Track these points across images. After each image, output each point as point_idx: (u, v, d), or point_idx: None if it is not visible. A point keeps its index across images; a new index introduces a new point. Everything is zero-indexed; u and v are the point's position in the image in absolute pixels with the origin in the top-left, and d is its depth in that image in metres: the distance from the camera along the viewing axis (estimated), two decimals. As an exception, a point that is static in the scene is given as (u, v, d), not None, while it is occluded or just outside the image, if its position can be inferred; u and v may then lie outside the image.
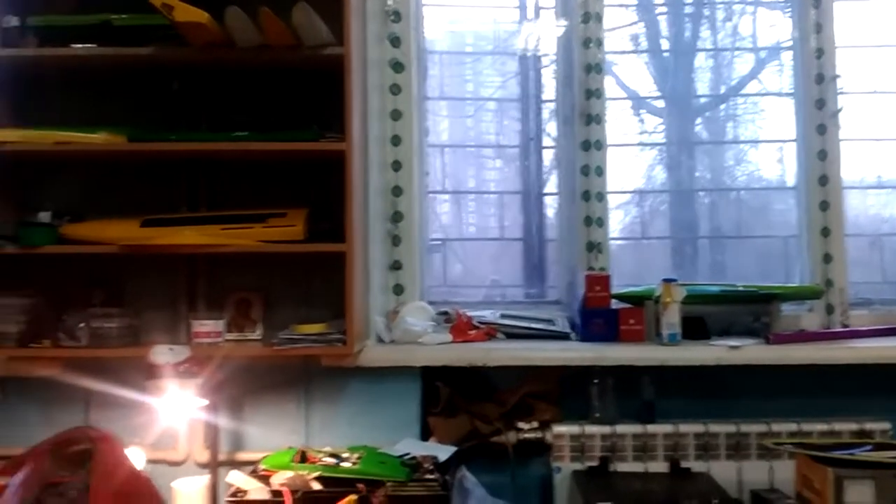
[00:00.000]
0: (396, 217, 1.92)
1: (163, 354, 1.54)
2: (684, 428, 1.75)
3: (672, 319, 1.80)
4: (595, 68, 2.01)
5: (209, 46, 1.62)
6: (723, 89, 2.24)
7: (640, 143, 2.22)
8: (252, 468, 1.62)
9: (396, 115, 1.95)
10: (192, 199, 1.81)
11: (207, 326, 1.70)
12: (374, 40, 1.92)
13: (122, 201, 1.78)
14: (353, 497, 1.43)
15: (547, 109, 2.16)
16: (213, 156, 1.73)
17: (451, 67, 2.23)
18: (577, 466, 1.73)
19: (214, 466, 1.70)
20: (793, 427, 1.74)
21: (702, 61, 2.27)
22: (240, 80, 1.83)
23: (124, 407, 1.72)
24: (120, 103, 1.82)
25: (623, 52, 2.19)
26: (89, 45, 1.67)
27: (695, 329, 1.87)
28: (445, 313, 1.89)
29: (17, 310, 1.67)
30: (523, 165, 2.15)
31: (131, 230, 1.68)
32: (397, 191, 1.94)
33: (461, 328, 1.84)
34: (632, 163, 2.17)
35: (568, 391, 1.82)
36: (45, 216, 1.67)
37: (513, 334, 1.90)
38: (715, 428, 1.74)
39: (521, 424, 1.78)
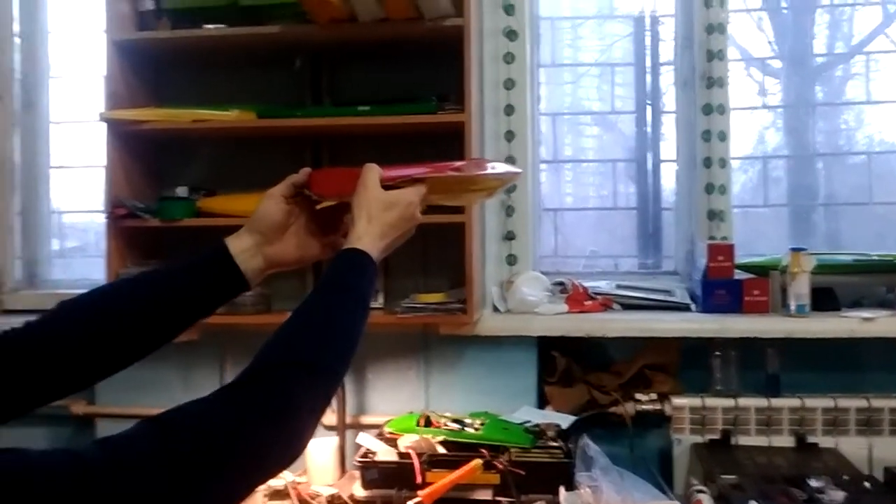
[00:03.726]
0: (510, 187, 1.92)
1: (297, 322, 1.61)
2: (811, 402, 1.69)
3: (801, 290, 1.73)
4: (718, 28, 1.92)
5: (333, 23, 1.66)
6: (841, 47, 2.11)
7: (764, 106, 2.12)
8: (377, 431, 1.69)
9: (510, 84, 1.94)
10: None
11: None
12: (488, 9, 1.92)
13: (250, 176, 1.84)
14: (479, 461, 1.47)
15: (664, 73, 2.09)
16: (336, 131, 1.78)
17: (562, 32, 2.19)
18: (698, 439, 1.70)
19: (342, 429, 1.78)
20: (930, 402, 1.66)
21: (821, 18, 2.15)
22: (358, 54, 1.87)
23: (257, 370, 1.81)
24: (246, 81, 1.90)
25: (742, 11, 2.09)
26: (219, 26, 1.75)
27: (824, 300, 1.79)
28: (561, 283, 1.89)
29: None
30: (640, 131, 2.10)
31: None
32: (510, 160, 1.93)
33: (577, 298, 1.83)
34: (744, 126, 2.09)
35: (688, 363, 1.80)
36: (182, 191, 1.77)
37: (629, 305, 1.88)
38: (844, 402, 1.68)
39: (638, 396, 1.77)
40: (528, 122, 1.95)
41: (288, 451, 0.75)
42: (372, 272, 0.90)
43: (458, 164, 1.03)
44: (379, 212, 0.92)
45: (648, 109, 2.11)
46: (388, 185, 0.95)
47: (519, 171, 1.15)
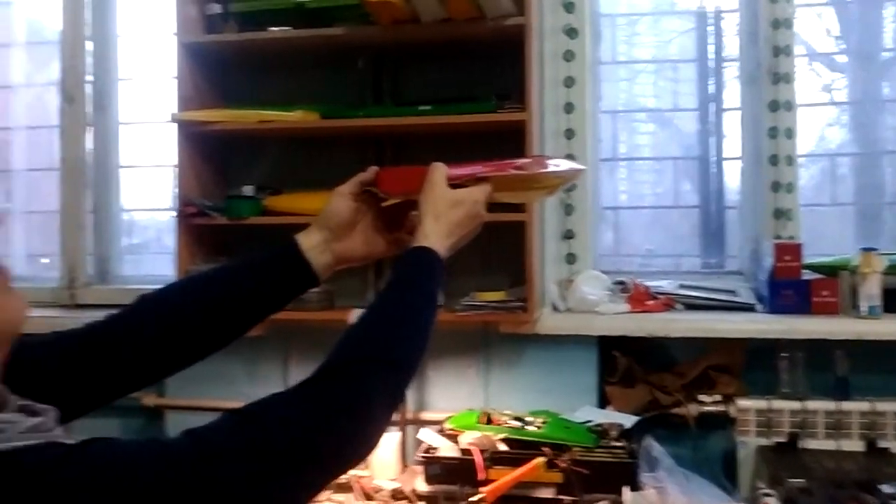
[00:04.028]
0: (569, 186, 1.91)
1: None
2: (883, 406, 1.64)
3: (872, 291, 1.69)
4: (784, 23, 1.88)
5: (395, 24, 1.68)
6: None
7: (831, 102, 2.07)
8: (438, 427, 1.70)
9: (570, 82, 1.93)
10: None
11: (394, 292, 1.79)
12: (549, 7, 1.91)
13: (313, 175, 1.88)
14: (542, 459, 1.47)
15: (728, 69, 2.06)
16: (397, 130, 1.80)
17: (620, 30, 2.17)
18: (763, 442, 1.67)
19: (403, 424, 1.80)
20: None
21: (889, 12, 2.07)
22: (419, 54, 1.88)
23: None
24: (310, 82, 1.93)
25: (807, 5, 2.04)
26: (284, 28, 1.78)
27: (895, 301, 1.74)
28: (621, 282, 1.87)
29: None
30: (702, 128, 2.07)
31: (324, 202, 1.78)
32: (570, 159, 1.92)
33: (639, 298, 1.82)
34: (808, 123, 2.03)
35: (753, 364, 1.76)
36: (248, 189, 1.81)
37: (692, 305, 1.86)
38: (919, 408, 1.63)
39: (702, 397, 1.75)
40: (588, 119, 1.94)
41: (365, 444, 0.77)
42: (440, 270, 0.91)
43: (521, 161, 1.03)
44: (446, 210, 0.94)
45: (711, 106, 2.07)
46: (453, 183, 0.97)
47: (582, 167, 1.15)
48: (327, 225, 0.99)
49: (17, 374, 0.68)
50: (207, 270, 1.00)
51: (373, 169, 1.02)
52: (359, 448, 0.77)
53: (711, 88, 2.08)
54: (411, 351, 0.84)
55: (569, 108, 1.93)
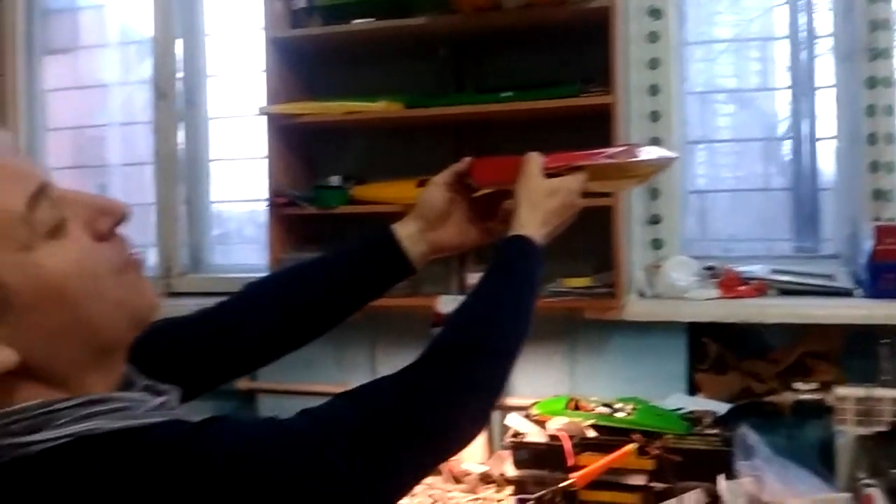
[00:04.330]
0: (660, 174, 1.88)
1: (448, 303, 1.66)
2: None
3: (982, 275, 1.60)
4: (883, -4, 1.79)
5: (477, 11, 1.68)
6: None
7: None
8: (524, 413, 1.71)
9: (654, 63, 1.89)
10: (459, 159, 1.90)
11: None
12: (632, -13, 1.88)
13: (397, 164, 1.91)
14: (633, 446, 1.46)
15: (820, 46, 1.98)
16: (480, 118, 1.81)
17: (706, 7, 2.11)
18: (863, 431, 1.61)
19: (489, 410, 1.81)
20: None
21: None
22: (500, 41, 1.88)
23: (406, 352, 1.88)
24: (393, 72, 1.95)
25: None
26: (368, 20, 1.81)
27: None
28: (711, 268, 1.83)
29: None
30: (795, 108, 2.00)
31: (409, 190, 1.80)
32: (655, 142, 1.89)
33: (730, 283, 1.77)
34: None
35: (851, 351, 1.70)
36: (335, 180, 1.85)
37: (786, 290, 1.80)
38: None
39: (797, 385, 1.70)
40: (674, 101, 1.90)
41: (471, 428, 0.79)
42: (537, 257, 0.92)
43: (613, 150, 1.03)
44: (541, 199, 0.94)
45: (803, 85, 1.99)
46: (548, 172, 0.97)
47: (675, 155, 1.12)
48: (423, 215, 1.00)
49: (135, 356, 0.70)
50: (308, 260, 1.02)
51: (467, 160, 1.03)
52: (465, 431, 0.78)
53: (803, 66, 2.00)
54: (511, 337, 0.84)
55: (653, 90, 1.89)
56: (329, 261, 1.01)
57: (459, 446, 0.78)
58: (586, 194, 1.01)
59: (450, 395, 0.76)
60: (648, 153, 1.05)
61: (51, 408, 0.58)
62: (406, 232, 0.99)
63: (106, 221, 0.63)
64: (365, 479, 0.66)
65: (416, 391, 0.75)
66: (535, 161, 0.97)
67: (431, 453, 0.75)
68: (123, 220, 0.65)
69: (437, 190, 1.01)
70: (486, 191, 1.03)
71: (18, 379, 0.58)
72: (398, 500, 0.73)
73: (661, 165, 1.09)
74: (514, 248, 0.91)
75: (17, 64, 2.38)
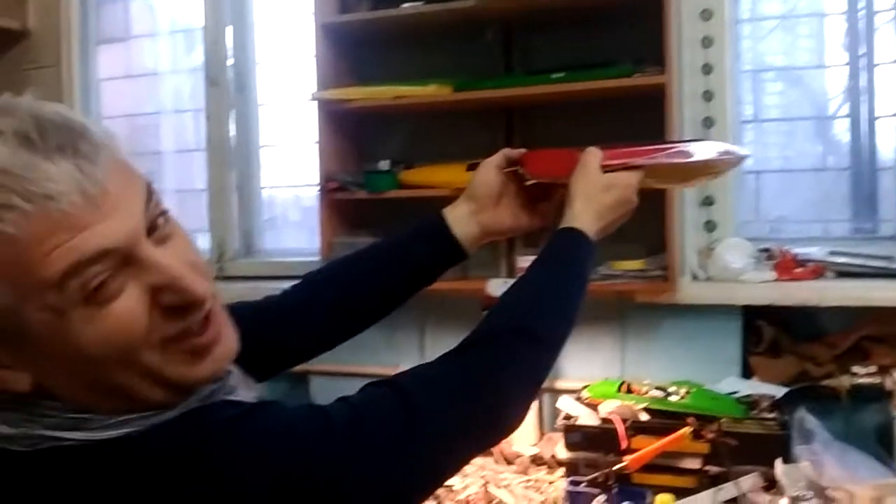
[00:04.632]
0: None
1: (498, 287, 1.67)
2: None
3: None
4: (950, -34, 1.73)
5: (526, -8, 1.67)
6: None
7: None
8: (575, 396, 1.71)
9: (707, 41, 1.85)
10: (509, 142, 1.90)
11: (529, 262, 1.80)
12: (684, -35, 1.84)
13: (445, 148, 1.92)
14: (688, 429, 1.45)
15: (879, 18, 1.91)
16: (529, 100, 1.80)
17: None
18: (925, 416, 1.58)
19: (540, 392, 1.82)
20: None
21: None
22: (548, 22, 1.86)
23: (455, 335, 1.89)
24: (441, 56, 1.95)
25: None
26: (415, 3, 1.81)
27: None
28: (766, 250, 1.80)
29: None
30: (852, 85, 1.94)
31: (458, 174, 1.78)
32: (708, 122, 1.86)
33: (786, 265, 1.74)
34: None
35: (913, 335, 1.66)
36: (384, 164, 1.87)
37: (844, 272, 1.76)
38: None
39: (856, 369, 1.66)
40: (728, 80, 1.86)
41: (515, 415, 0.77)
42: (588, 250, 0.90)
43: (673, 148, 0.98)
44: (597, 193, 0.92)
45: (861, 61, 1.93)
46: (606, 169, 0.95)
47: (744, 154, 1.06)
48: (474, 197, 1.00)
49: None
50: (363, 249, 1.03)
51: (520, 151, 1.02)
52: (508, 418, 0.77)
53: (862, 42, 1.94)
54: (556, 327, 0.83)
55: (707, 68, 1.85)
56: (383, 247, 1.02)
57: (501, 434, 0.78)
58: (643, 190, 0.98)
59: (494, 382, 0.75)
60: (708, 152, 1.00)
61: (86, 415, 0.58)
62: (457, 214, 0.99)
63: (171, 299, 0.59)
64: (402, 467, 0.66)
65: (456, 378, 0.74)
66: (594, 155, 0.95)
67: (471, 441, 0.74)
68: (192, 308, 0.61)
69: (489, 171, 1.01)
70: (536, 181, 1.01)
71: (47, 395, 0.59)
72: (437, 487, 0.73)
73: (726, 165, 1.03)
74: (567, 239, 0.90)
75: (73, 54, 2.44)
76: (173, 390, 0.62)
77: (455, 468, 0.75)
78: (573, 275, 0.88)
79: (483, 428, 0.74)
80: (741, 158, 1.05)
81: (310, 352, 1.01)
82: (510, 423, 0.77)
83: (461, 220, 0.99)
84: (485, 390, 0.74)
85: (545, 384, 1.85)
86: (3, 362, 0.57)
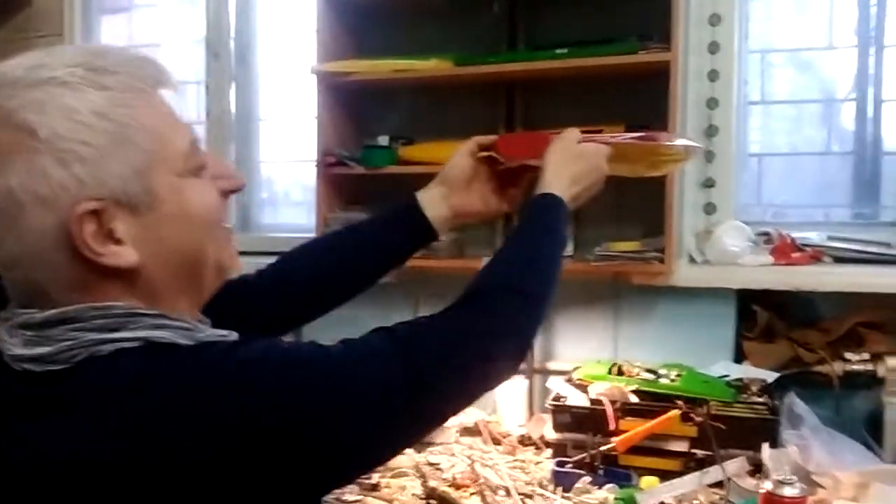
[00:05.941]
0: (711, 131, 1.82)
1: (491, 266, 1.66)
2: None
3: None
4: (963, -52, 1.69)
5: (531, -34, 1.65)
6: None
7: None
8: (566, 377, 1.71)
9: (715, 20, 1.82)
10: (510, 119, 1.88)
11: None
12: (691, -59, 1.80)
13: (446, 124, 1.90)
14: (676, 412, 1.45)
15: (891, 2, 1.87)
16: (532, 76, 1.78)
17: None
18: (915, 404, 1.57)
19: (531, 373, 1.82)
20: None
21: None
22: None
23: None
24: (444, 29, 1.93)
25: None
26: (420, -25, 1.79)
27: None
28: (765, 234, 1.78)
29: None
30: (861, 68, 1.90)
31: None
32: (713, 102, 1.83)
33: (784, 250, 1.73)
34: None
35: (908, 322, 1.65)
36: (383, 139, 1.85)
37: (842, 258, 1.74)
38: None
39: (848, 355, 1.65)
40: (735, 60, 1.83)
41: (505, 366, 0.84)
42: (564, 213, 0.96)
43: (644, 134, 1.07)
44: (568, 161, 0.99)
45: (869, 45, 1.90)
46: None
47: (698, 146, 1.16)
48: (446, 180, 1.05)
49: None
50: (343, 227, 1.12)
51: (492, 137, 1.07)
52: (497, 369, 0.82)
53: (872, 26, 1.90)
54: (542, 284, 0.88)
55: (713, 47, 1.82)
56: (360, 226, 1.09)
57: (491, 385, 0.82)
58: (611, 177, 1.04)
59: (486, 332, 0.80)
60: (672, 140, 1.11)
61: (133, 310, 0.64)
62: (429, 197, 1.05)
63: (227, 184, 0.78)
64: (399, 411, 0.69)
65: (455, 327, 0.79)
66: (573, 131, 1.02)
67: (464, 388, 0.78)
68: (238, 190, 0.83)
69: (460, 157, 1.07)
70: (509, 165, 1.06)
71: (121, 280, 0.64)
72: (429, 431, 0.80)
73: (683, 155, 1.13)
74: (542, 205, 0.95)
75: (76, 23, 2.43)
76: (221, 275, 0.74)
77: (445, 415, 0.78)
78: (550, 234, 0.93)
79: (475, 378, 0.79)
80: (696, 149, 1.15)
81: (292, 321, 1.07)
82: (500, 374, 0.83)
83: (433, 202, 1.05)
84: (479, 340, 0.79)
85: (537, 365, 1.88)
86: (120, 235, 0.63)
